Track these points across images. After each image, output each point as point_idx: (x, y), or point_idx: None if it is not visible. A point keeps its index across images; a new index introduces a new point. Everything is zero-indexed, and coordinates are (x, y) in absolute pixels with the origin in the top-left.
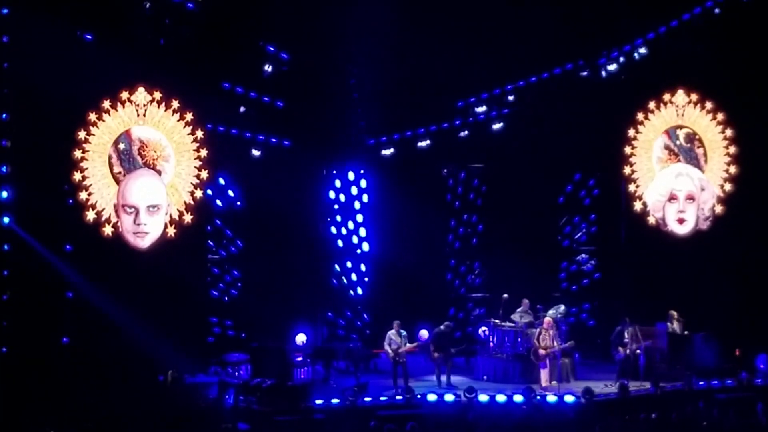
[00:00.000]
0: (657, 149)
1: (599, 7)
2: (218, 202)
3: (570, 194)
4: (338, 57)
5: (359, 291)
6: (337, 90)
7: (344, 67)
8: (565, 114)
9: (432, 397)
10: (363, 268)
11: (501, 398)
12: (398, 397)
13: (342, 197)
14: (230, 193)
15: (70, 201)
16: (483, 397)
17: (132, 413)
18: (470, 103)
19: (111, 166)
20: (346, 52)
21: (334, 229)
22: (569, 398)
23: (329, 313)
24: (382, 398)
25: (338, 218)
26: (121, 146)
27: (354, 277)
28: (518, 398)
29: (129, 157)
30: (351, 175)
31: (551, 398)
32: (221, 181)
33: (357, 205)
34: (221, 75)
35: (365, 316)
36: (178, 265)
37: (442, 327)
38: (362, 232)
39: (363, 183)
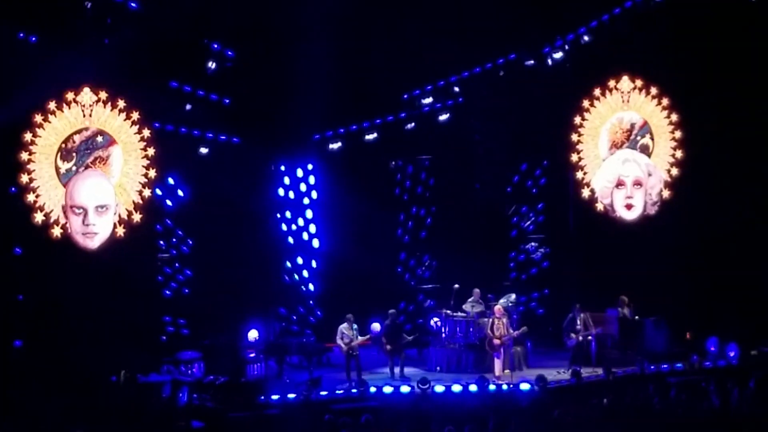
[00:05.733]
0: (626, 119)
1: None
2: (168, 202)
3: (517, 184)
4: (283, 52)
5: (311, 287)
6: (282, 86)
7: (289, 62)
8: (510, 104)
9: (387, 389)
10: (314, 264)
11: (456, 388)
12: (353, 390)
13: (291, 194)
14: (180, 192)
15: (18, 203)
16: (439, 388)
17: (85, 414)
18: (416, 96)
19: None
20: (290, 46)
21: (284, 226)
22: (524, 386)
23: (281, 309)
24: (337, 392)
25: (288, 215)
26: (99, 139)
27: (305, 273)
28: (473, 388)
29: (89, 148)
30: (300, 172)
31: (506, 387)
32: (170, 180)
33: (306, 201)
34: (167, 73)
35: (318, 312)
36: (128, 265)
37: (388, 320)
38: (312, 228)
39: (312, 179)
